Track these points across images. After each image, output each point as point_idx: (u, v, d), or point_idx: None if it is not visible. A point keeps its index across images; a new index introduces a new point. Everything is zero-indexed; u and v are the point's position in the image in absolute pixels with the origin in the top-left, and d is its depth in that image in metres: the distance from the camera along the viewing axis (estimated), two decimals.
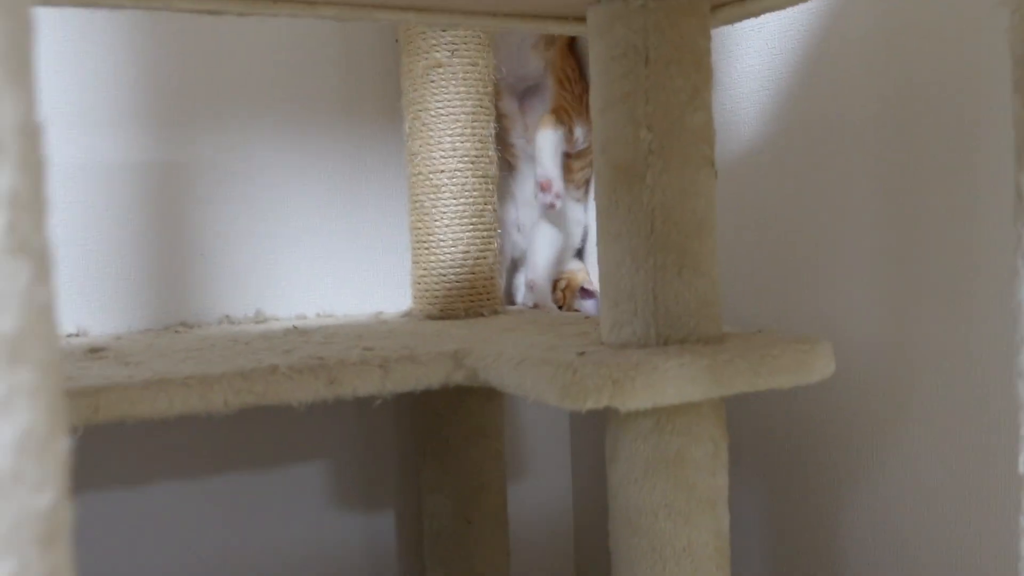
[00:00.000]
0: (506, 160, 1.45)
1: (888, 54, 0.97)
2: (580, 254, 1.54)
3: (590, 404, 0.75)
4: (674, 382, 0.76)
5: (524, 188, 1.48)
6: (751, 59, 1.13)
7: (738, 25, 1.14)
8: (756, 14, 0.91)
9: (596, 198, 0.88)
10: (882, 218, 0.99)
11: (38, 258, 0.26)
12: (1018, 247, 0.52)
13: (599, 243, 0.88)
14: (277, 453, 1.34)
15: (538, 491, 1.52)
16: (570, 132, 1.36)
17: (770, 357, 0.81)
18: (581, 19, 0.95)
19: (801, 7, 1.06)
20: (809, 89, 1.06)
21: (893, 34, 0.96)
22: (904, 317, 0.97)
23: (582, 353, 0.82)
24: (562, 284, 1.49)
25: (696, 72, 0.84)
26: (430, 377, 0.92)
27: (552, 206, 1.33)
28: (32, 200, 0.26)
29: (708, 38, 0.86)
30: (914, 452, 0.97)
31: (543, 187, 1.33)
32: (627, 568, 0.86)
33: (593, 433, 1.49)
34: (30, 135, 0.26)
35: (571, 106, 1.36)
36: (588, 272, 1.52)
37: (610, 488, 0.88)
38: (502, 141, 1.40)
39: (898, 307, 0.98)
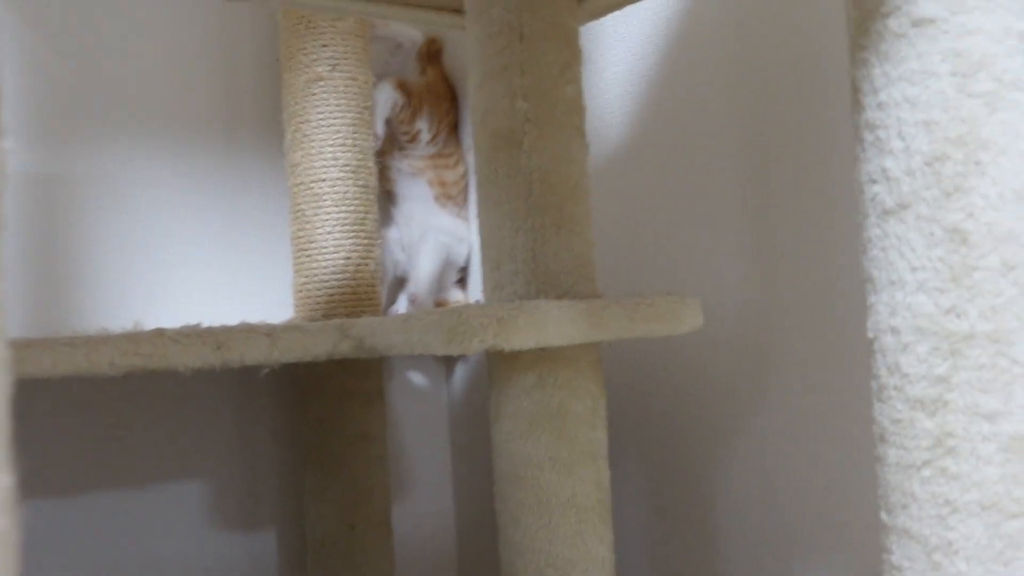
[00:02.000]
0: (384, 187, 1.48)
1: (740, 44, 1.06)
2: (463, 283, 1.57)
3: (475, 345, 0.78)
4: (555, 322, 0.80)
5: (404, 210, 1.51)
6: (616, 67, 1.21)
7: (603, 37, 1.23)
8: (618, 6, 0.98)
9: (476, 169, 0.92)
10: (742, 192, 1.07)
11: None
12: (856, 136, 0.59)
13: (480, 212, 0.92)
14: (155, 470, 1.31)
15: (421, 505, 1.52)
16: (410, 112, 1.41)
17: (644, 305, 0.86)
18: (456, 11, 1.01)
19: (658, 14, 1.15)
20: (670, 88, 1.14)
21: (743, 30, 1.06)
22: (766, 280, 1.04)
23: (466, 307, 0.85)
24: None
25: (567, 48, 0.90)
26: (317, 347, 0.93)
27: None
28: None
29: (576, 20, 0.93)
30: (780, 402, 1.03)
31: None
32: (513, 522, 0.88)
33: (473, 446, 1.51)
34: None
35: (426, 99, 1.42)
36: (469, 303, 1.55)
37: (495, 447, 0.90)
38: (381, 165, 1.44)
39: (760, 271, 1.05)
